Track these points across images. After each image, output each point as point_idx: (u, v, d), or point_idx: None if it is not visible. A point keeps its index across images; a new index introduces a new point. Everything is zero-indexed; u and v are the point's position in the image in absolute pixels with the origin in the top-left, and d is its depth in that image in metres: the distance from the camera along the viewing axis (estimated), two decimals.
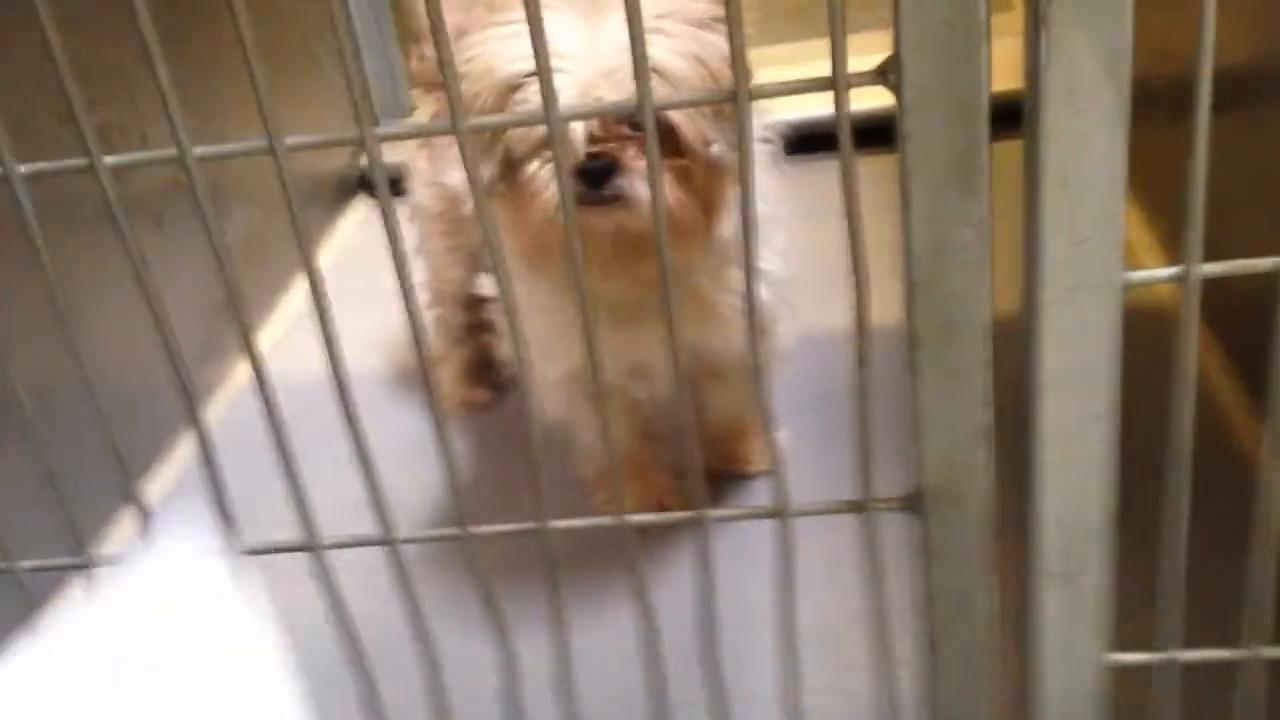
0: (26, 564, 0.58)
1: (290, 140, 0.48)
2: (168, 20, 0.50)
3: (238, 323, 0.52)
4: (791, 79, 0.47)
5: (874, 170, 0.63)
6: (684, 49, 0.88)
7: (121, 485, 0.59)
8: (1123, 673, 0.60)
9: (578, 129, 0.89)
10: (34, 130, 0.88)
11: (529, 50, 0.48)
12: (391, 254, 0.51)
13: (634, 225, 0.91)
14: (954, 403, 0.52)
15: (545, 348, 1.01)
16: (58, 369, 0.66)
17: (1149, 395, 0.53)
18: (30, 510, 0.64)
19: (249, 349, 0.53)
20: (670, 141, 0.89)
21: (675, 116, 0.88)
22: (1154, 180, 0.91)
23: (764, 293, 1.04)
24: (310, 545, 0.57)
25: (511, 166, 0.93)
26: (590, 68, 0.88)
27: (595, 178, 0.90)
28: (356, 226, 2.02)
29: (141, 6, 0.45)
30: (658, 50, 0.87)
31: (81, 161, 0.49)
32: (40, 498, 0.59)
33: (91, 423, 0.57)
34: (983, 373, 0.51)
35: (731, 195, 0.95)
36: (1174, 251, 0.48)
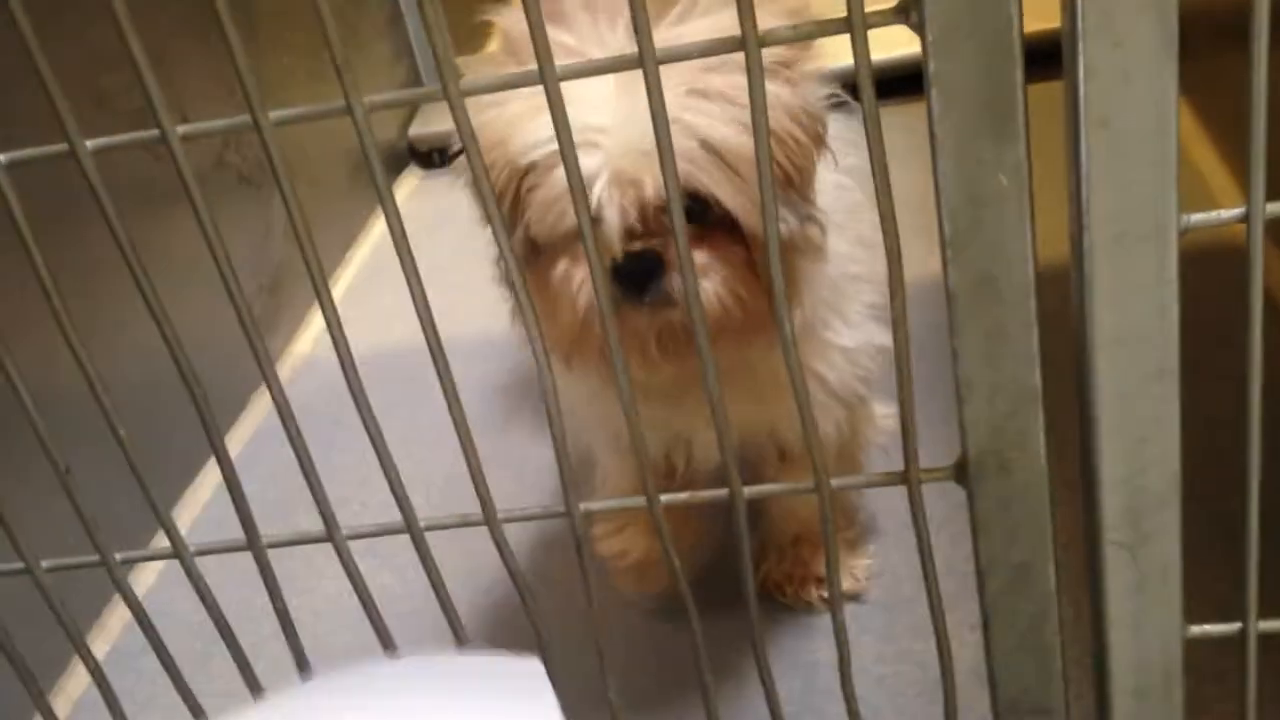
0: (46, 564, 0.57)
1: (370, 99, 0.45)
2: None
3: (315, 286, 0.50)
4: (805, 21, 0.43)
5: (910, 120, 0.59)
6: (741, 115, 0.72)
7: (175, 474, 0.57)
8: (1196, 643, 0.56)
9: (613, 220, 0.73)
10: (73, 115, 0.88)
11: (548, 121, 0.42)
12: (482, 209, 0.47)
13: (686, 323, 0.75)
14: (998, 364, 0.49)
15: (587, 425, 0.92)
16: (101, 357, 0.66)
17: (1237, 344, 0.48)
18: (105, 498, 0.63)
19: (325, 311, 0.50)
20: (725, 227, 0.74)
21: (729, 198, 0.72)
22: (1230, 113, 0.85)
23: (846, 367, 0.88)
24: (327, 537, 0.55)
25: (536, 251, 0.79)
26: (627, 144, 0.72)
27: (636, 279, 0.74)
28: (406, 199, 2.01)
29: None
30: (704, 119, 0.71)
31: (153, 133, 0.46)
32: (118, 485, 0.57)
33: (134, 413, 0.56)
34: (1028, 331, 0.48)
35: (808, 274, 0.81)
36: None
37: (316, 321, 1.73)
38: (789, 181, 0.76)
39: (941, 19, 0.40)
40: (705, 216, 0.74)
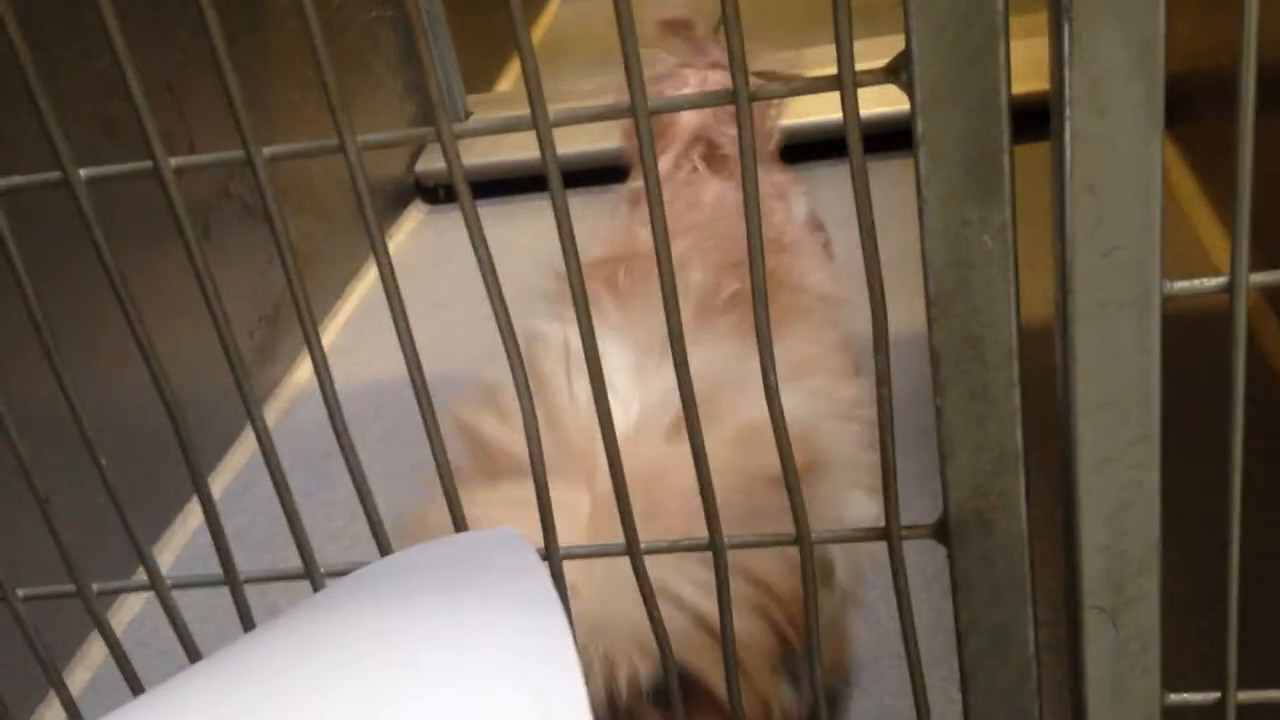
0: (22, 593, 0.57)
1: (363, 138, 0.45)
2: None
3: (301, 324, 0.50)
4: (796, 79, 0.44)
5: (906, 173, 0.60)
6: (745, 590, 0.65)
7: (166, 503, 0.57)
8: (1174, 711, 0.56)
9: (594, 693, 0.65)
10: (80, 141, 0.88)
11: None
12: (476, 254, 0.47)
13: None
14: (981, 424, 0.49)
15: None
16: (97, 380, 0.66)
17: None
18: (94, 528, 0.63)
19: (312, 351, 0.50)
20: (710, 704, 0.65)
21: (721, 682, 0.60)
22: (1229, 177, 0.86)
23: None
24: (305, 574, 0.55)
25: None
26: (603, 616, 0.63)
27: None
28: (411, 234, 2.02)
29: (210, 13, 0.43)
30: (697, 589, 0.63)
31: (145, 164, 0.47)
32: (108, 515, 0.57)
33: (126, 440, 0.56)
34: (1011, 392, 0.48)
35: None
36: (1252, 256, 0.43)
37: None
38: (786, 646, 0.68)
39: (930, 80, 0.41)
40: (691, 689, 0.65)
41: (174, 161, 0.47)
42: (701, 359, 0.58)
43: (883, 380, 0.49)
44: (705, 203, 1.09)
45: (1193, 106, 1.44)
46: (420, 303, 1.70)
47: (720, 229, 1.00)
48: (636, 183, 1.21)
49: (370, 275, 1.88)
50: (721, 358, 0.73)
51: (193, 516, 1.41)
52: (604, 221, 1.24)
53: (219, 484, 1.49)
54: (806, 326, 0.88)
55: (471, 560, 0.41)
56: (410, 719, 0.34)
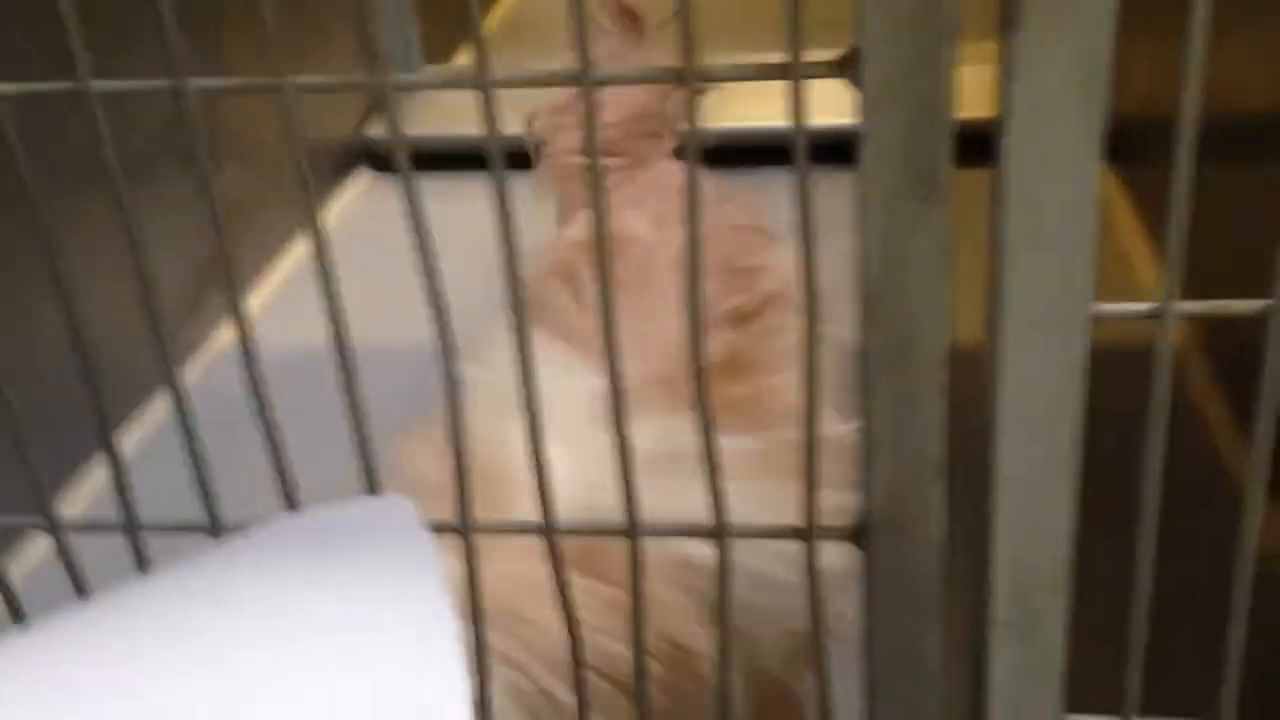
0: None
1: (300, 79, 0.43)
2: None
3: (226, 276, 0.49)
4: (745, 64, 0.43)
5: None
6: None
7: (83, 445, 0.55)
8: None
9: None
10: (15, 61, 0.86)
11: None
12: (412, 224, 0.46)
13: None
14: (905, 429, 0.49)
15: None
16: (26, 312, 0.63)
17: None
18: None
19: (235, 308, 0.49)
20: None
21: None
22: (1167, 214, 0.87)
23: None
24: (209, 527, 0.54)
25: None
26: None
27: None
28: (355, 199, 1.99)
29: None
30: None
31: (70, 84, 0.45)
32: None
33: (49, 375, 0.54)
34: (938, 400, 0.47)
35: None
36: (1189, 291, 0.43)
37: (255, 304, 1.71)
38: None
39: (878, 78, 0.40)
40: None
41: (100, 84, 0.45)
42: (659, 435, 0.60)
43: (811, 377, 0.48)
44: (673, 188, 1.07)
45: (1143, 149, 1.46)
46: (358, 270, 1.67)
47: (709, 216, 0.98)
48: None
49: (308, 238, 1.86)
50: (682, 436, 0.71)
51: (128, 453, 1.39)
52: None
53: (139, 432, 1.46)
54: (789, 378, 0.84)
55: (364, 523, 0.41)
56: (295, 657, 0.34)
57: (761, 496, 0.75)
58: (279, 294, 1.74)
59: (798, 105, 0.42)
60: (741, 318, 0.86)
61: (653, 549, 0.65)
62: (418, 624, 0.35)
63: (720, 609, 0.56)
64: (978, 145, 0.44)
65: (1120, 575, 0.53)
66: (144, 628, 0.37)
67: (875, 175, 0.42)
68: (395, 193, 0.50)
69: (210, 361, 1.59)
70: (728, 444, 0.62)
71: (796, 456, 0.78)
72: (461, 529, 0.52)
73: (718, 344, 0.79)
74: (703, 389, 0.47)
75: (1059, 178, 0.39)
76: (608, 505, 0.67)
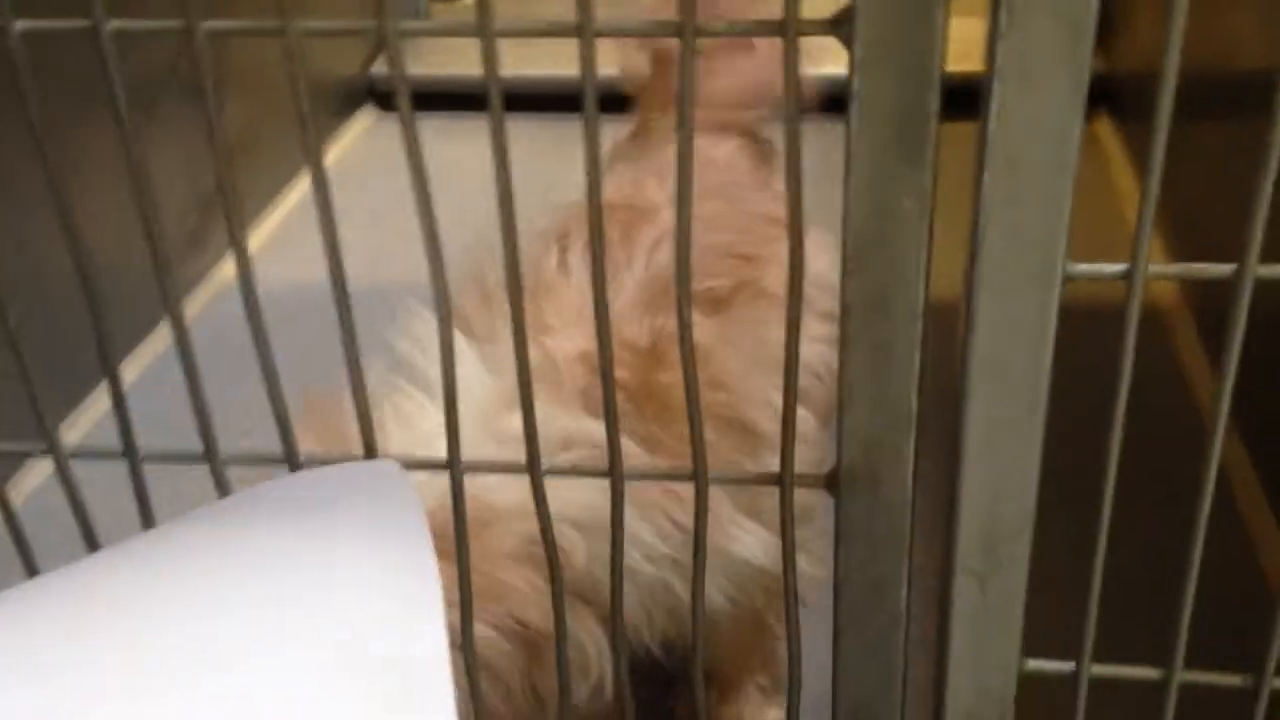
0: None
1: (306, 24, 0.45)
2: None
3: (227, 209, 0.50)
4: (742, 20, 0.44)
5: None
6: None
7: (86, 375, 0.56)
8: (1040, 680, 0.58)
9: None
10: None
11: None
12: (410, 164, 0.48)
13: None
14: (882, 380, 0.50)
15: None
16: (32, 242, 0.65)
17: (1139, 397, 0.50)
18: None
19: (234, 239, 0.50)
20: None
21: None
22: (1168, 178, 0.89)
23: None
24: (205, 458, 0.55)
25: None
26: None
27: None
28: (359, 138, 1.99)
29: None
30: None
31: (84, 22, 0.46)
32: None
33: (53, 305, 0.55)
34: (914, 352, 0.49)
35: None
36: (1191, 250, 0.45)
37: (251, 243, 1.72)
38: None
39: (870, 37, 0.42)
40: None
41: (113, 23, 0.46)
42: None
43: (791, 328, 0.50)
44: (716, 161, 1.06)
45: (1147, 107, 1.46)
46: (359, 209, 1.68)
47: (732, 198, 0.97)
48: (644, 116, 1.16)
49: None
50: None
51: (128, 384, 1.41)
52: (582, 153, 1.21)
53: (141, 362, 1.48)
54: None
55: (351, 487, 0.42)
56: (282, 619, 0.35)
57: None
58: (283, 230, 1.76)
59: (791, 63, 0.43)
60: (712, 301, 0.86)
61: (507, 534, 0.68)
62: (401, 577, 0.37)
63: (696, 549, 0.58)
64: (965, 99, 0.45)
65: (1091, 531, 0.55)
66: (143, 580, 0.38)
67: (863, 134, 0.43)
68: (400, 133, 0.51)
69: (213, 295, 1.60)
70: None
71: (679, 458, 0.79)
72: (449, 465, 0.54)
73: (663, 327, 0.79)
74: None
75: (1042, 137, 0.40)
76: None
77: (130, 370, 1.46)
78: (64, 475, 0.59)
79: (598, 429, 0.68)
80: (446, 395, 0.51)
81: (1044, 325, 0.45)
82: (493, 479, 0.65)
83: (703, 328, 0.77)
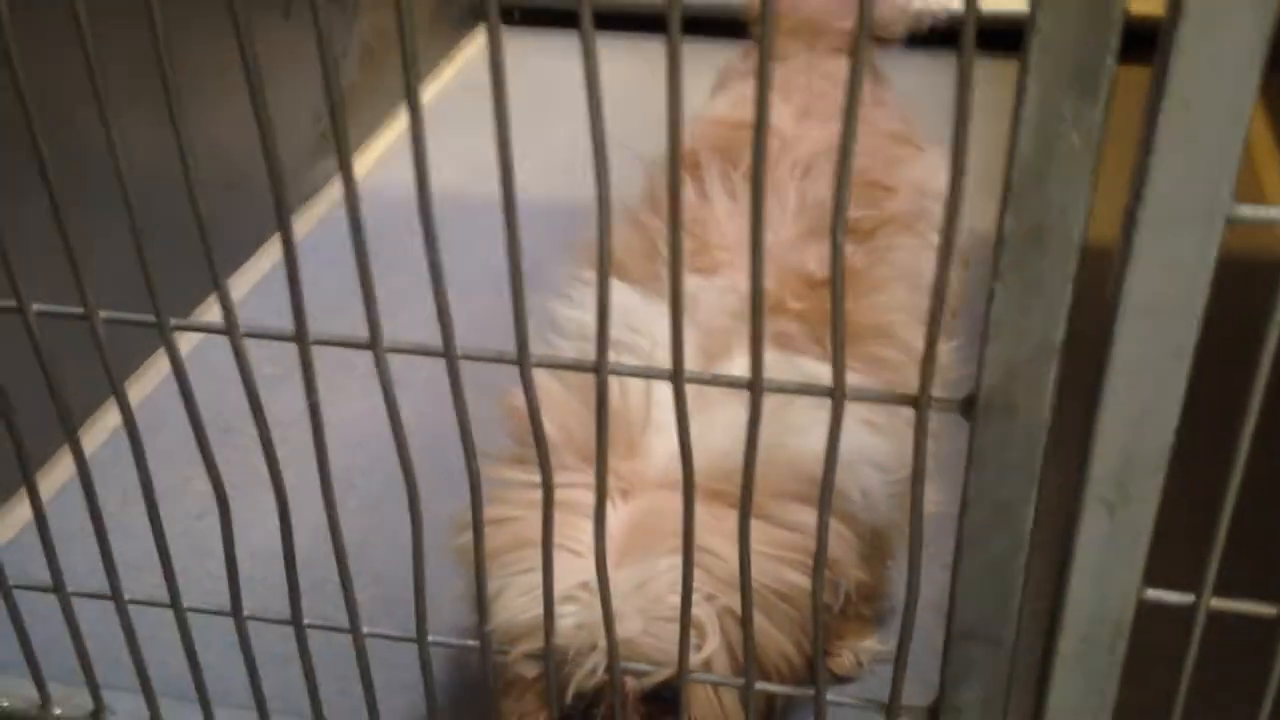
0: (104, 315, 0.61)
1: None
2: None
3: (336, 127, 0.53)
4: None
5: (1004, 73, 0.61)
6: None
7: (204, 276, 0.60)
8: (1153, 608, 0.60)
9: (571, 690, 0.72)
10: None
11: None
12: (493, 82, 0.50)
13: None
14: (1030, 312, 0.52)
15: None
16: (153, 145, 0.68)
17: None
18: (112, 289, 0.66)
19: (341, 154, 0.53)
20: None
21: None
22: None
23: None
24: (370, 344, 0.59)
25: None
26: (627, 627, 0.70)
27: None
28: (479, 51, 2.01)
29: None
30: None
31: None
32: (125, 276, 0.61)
33: (176, 211, 0.59)
34: (1066, 288, 0.50)
35: None
36: None
37: (372, 152, 1.75)
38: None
39: None
40: (665, 698, 0.73)
41: None
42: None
43: (945, 262, 0.51)
44: (835, 78, 1.06)
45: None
46: (480, 121, 1.70)
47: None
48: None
49: (444, 76, 1.89)
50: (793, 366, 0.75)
51: (266, 257, 1.48)
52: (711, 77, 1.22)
53: (265, 266, 1.54)
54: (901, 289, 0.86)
55: None
56: None
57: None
58: (402, 138, 1.79)
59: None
60: (858, 233, 0.87)
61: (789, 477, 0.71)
62: None
63: (827, 464, 0.60)
64: (1136, 42, 0.45)
65: (1214, 466, 0.56)
66: None
67: (1038, 69, 0.44)
68: (517, 47, 0.53)
69: (329, 206, 1.65)
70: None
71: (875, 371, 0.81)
72: (672, 378, 0.56)
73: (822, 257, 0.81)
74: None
75: (1221, 84, 0.41)
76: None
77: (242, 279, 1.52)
78: (239, 355, 0.62)
79: (788, 361, 0.71)
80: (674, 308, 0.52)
81: (1204, 265, 0.46)
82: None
83: (854, 256, 0.79)
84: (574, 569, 0.71)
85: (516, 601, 0.73)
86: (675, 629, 0.63)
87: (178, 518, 1.18)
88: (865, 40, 0.46)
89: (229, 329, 0.62)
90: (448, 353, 0.59)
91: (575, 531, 0.73)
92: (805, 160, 0.88)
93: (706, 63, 1.20)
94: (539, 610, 0.64)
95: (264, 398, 0.63)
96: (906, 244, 0.87)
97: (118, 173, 0.57)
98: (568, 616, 0.70)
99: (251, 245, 1.55)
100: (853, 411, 0.73)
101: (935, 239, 0.93)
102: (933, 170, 1.01)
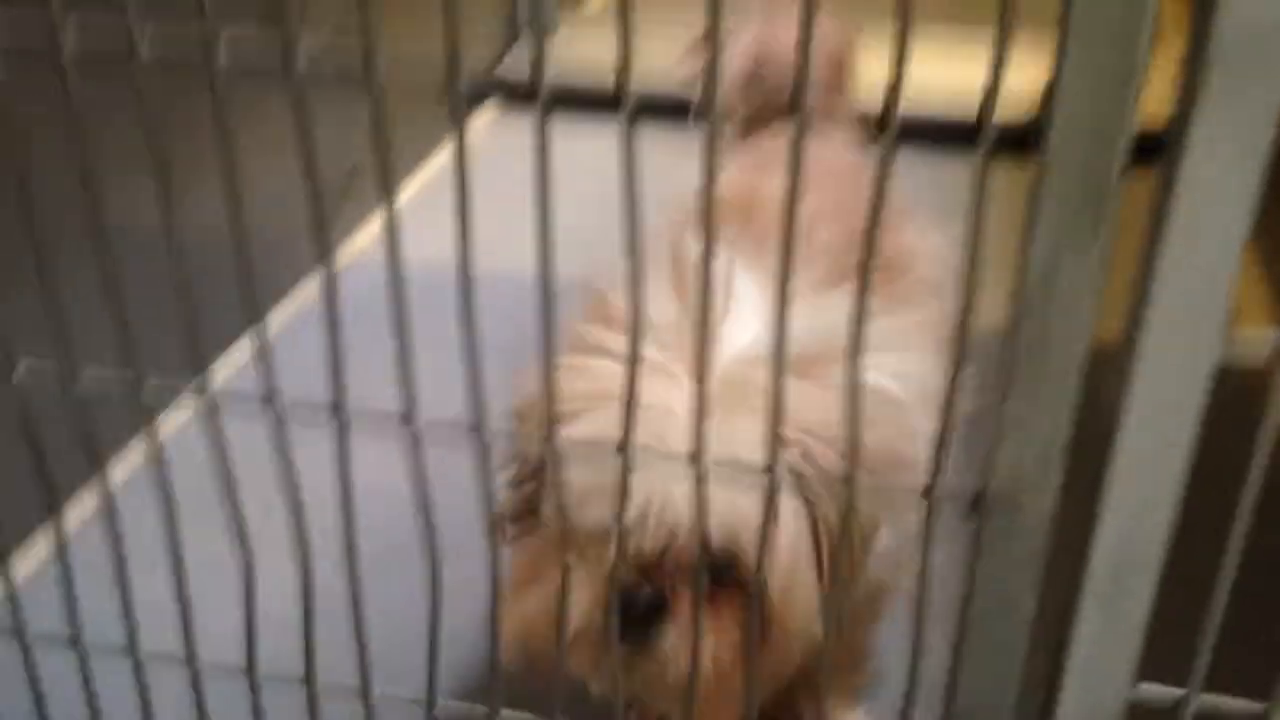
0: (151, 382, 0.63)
1: None
2: None
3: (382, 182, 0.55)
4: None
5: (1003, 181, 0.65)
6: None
7: (233, 324, 0.62)
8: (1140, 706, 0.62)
9: (635, 548, 0.72)
10: None
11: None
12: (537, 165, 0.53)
13: (666, 685, 0.73)
14: (1036, 415, 0.55)
15: None
16: (186, 191, 0.72)
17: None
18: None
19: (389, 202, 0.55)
20: (743, 592, 0.72)
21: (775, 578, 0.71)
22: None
23: None
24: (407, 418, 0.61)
25: (529, 513, 0.78)
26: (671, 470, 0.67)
27: (632, 623, 0.72)
28: (484, 128, 2.06)
29: None
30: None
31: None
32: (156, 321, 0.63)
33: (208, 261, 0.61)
34: (1071, 393, 0.53)
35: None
36: None
37: (375, 224, 1.79)
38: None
39: (1070, 106, 0.46)
40: (725, 575, 0.74)
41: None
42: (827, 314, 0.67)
43: (958, 360, 0.54)
44: (823, 158, 1.11)
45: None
46: (486, 192, 1.74)
47: (844, 187, 1.03)
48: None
49: (433, 163, 1.93)
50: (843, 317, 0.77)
51: (234, 359, 1.48)
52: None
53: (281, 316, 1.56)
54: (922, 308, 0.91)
55: None
56: None
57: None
58: (413, 208, 1.83)
59: (989, 116, 0.48)
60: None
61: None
62: None
63: (851, 430, 0.60)
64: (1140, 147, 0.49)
65: (1204, 563, 0.58)
66: None
67: (1050, 188, 0.48)
68: (522, 127, 0.56)
69: (349, 260, 1.68)
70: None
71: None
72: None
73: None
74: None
75: (1224, 201, 0.45)
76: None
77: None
78: (212, 417, 0.64)
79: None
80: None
81: (1202, 375, 0.49)
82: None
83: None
84: (655, 424, 0.70)
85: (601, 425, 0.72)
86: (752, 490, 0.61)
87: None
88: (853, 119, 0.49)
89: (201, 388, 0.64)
90: (411, 423, 0.62)
91: (654, 395, 0.73)
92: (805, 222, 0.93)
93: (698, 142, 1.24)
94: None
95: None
96: (910, 294, 0.92)
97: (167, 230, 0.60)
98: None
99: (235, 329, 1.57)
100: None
101: (930, 298, 0.97)
102: (920, 234, 1.06)
